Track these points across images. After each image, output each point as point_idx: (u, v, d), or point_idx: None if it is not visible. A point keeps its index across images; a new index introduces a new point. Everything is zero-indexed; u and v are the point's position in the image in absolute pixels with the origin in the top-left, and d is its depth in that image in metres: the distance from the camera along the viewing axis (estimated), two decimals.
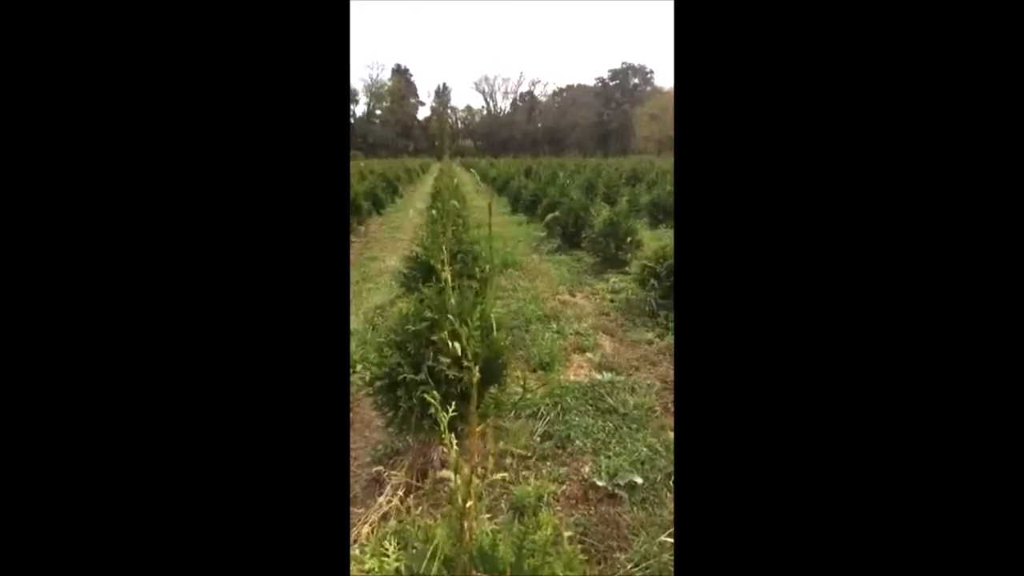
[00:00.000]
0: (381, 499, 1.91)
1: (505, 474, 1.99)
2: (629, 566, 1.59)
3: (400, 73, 61.77)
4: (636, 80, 60.78)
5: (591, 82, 63.35)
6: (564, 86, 66.34)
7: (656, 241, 4.64)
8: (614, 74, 61.06)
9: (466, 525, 0.79)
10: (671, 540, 1.65)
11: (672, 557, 1.61)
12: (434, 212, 3.54)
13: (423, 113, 65.20)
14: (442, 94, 65.81)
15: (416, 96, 64.00)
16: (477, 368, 0.76)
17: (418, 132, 62.46)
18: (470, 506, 0.78)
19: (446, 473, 0.82)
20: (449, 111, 66.86)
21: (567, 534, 1.64)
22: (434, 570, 0.76)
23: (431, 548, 0.81)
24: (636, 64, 61.44)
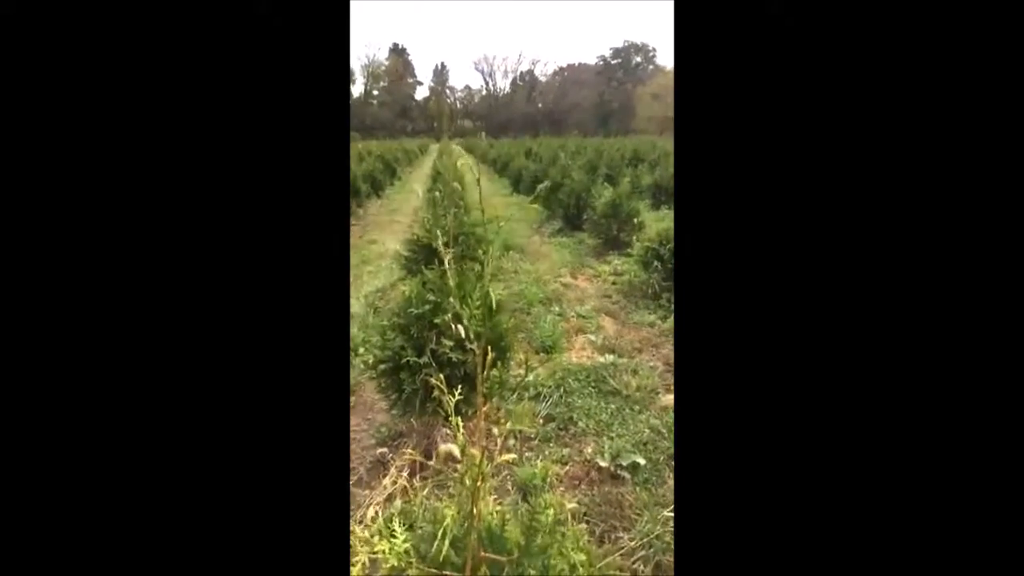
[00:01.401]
0: (386, 480, 1.93)
1: (513, 455, 2.01)
2: (632, 544, 1.61)
3: (397, 53, 60.76)
4: (638, 58, 59.76)
5: (592, 60, 62.37)
6: (565, 65, 65.33)
7: (659, 222, 4.61)
8: (615, 52, 60.02)
9: (475, 506, 0.80)
10: (672, 516, 1.67)
11: (674, 535, 1.63)
12: (436, 194, 3.51)
13: (421, 93, 64.35)
14: (440, 74, 64.82)
15: (414, 76, 63.07)
16: (483, 349, 0.75)
17: (416, 113, 61.68)
18: (479, 487, 0.78)
19: (451, 447, 0.82)
20: (448, 91, 65.95)
21: (570, 506, 1.66)
22: (444, 551, 0.77)
23: (440, 529, 0.82)
24: (638, 42, 60.37)
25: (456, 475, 0.79)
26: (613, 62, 59.75)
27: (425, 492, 1.80)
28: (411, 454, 1.87)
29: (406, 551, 0.82)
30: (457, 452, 0.79)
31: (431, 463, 1.96)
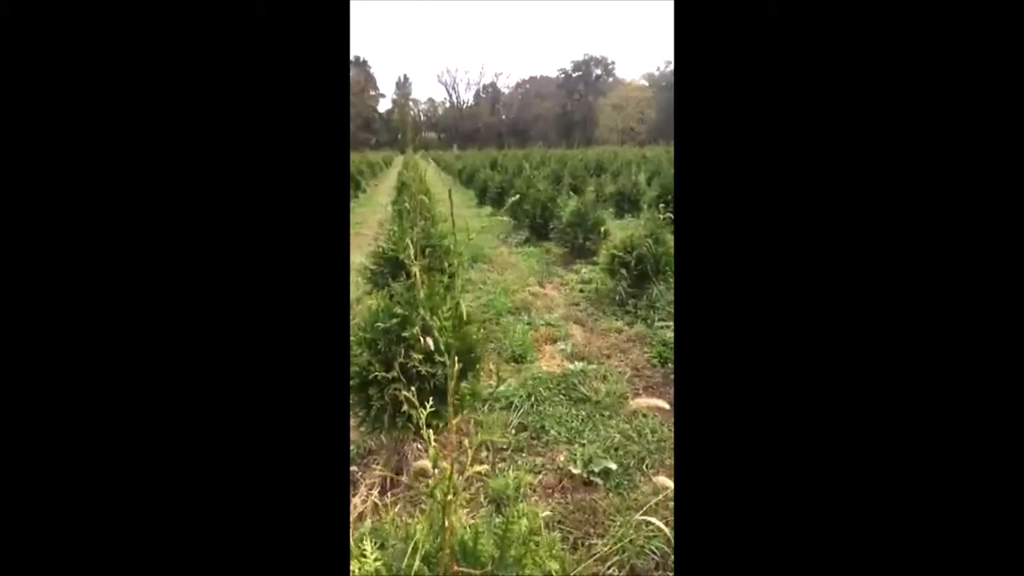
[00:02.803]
0: (356, 499, 1.88)
1: (485, 467, 1.99)
2: (606, 550, 1.62)
3: (358, 65, 60.22)
4: (598, 71, 61.21)
5: (553, 73, 63.51)
6: (527, 77, 66.27)
7: (623, 231, 4.71)
8: (576, 65, 61.30)
9: (446, 520, 0.79)
10: (646, 520, 1.69)
11: (648, 538, 1.65)
12: (404, 206, 3.48)
13: (384, 106, 63.90)
14: (403, 86, 64.63)
15: (376, 88, 62.60)
16: (454, 361, 0.75)
17: (380, 125, 61.18)
18: (450, 500, 0.77)
19: (424, 463, 0.81)
20: (411, 103, 65.76)
21: (544, 514, 1.66)
22: (415, 567, 0.75)
23: (411, 545, 0.80)
24: (598, 55, 61.95)
25: (427, 489, 0.79)
26: (574, 75, 61.01)
27: (396, 509, 1.76)
28: (381, 471, 1.83)
29: (377, 570, 0.80)
30: (429, 467, 0.78)
31: (402, 479, 1.92)
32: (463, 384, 1.97)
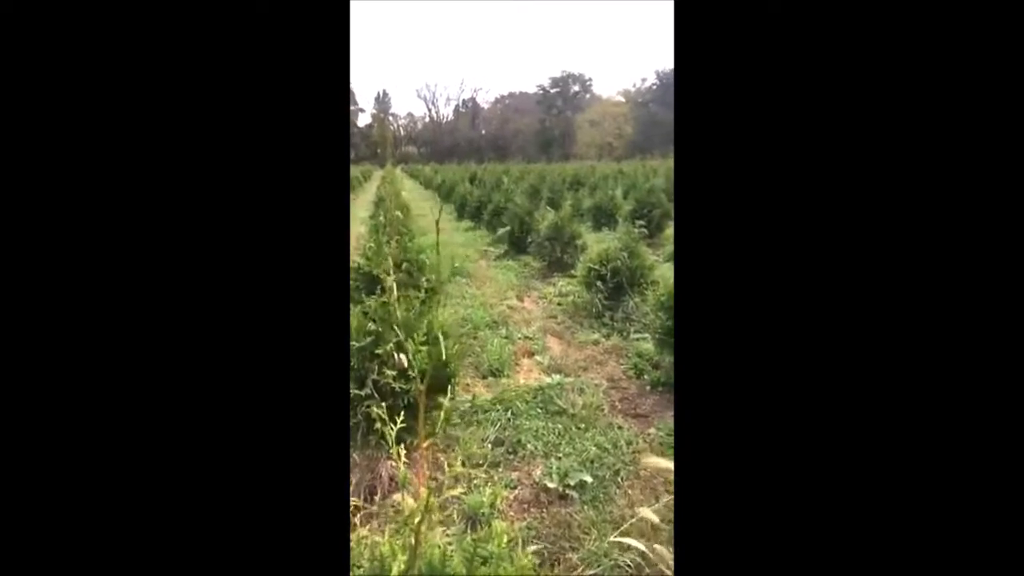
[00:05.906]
0: None
1: (461, 489, 1.98)
2: (581, 567, 1.62)
3: None
4: (576, 88, 62.26)
5: (532, 89, 64.42)
6: (506, 93, 67.07)
7: (600, 244, 4.77)
8: (554, 81, 62.27)
9: (417, 539, 0.78)
10: (621, 539, 1.69)
11: (621, 554, 1.65)
12: (381, 220, 3.47)
13: (363, 120, 63.77)
14: (382, 101, 64.68)
15: (355, 103, 62.48)
16: (424, 383, 0.76)
17: (359, 139, 60.96)
18: (418, 522, 0.77)
19: (399, 497, 0.81)
20: (390, 118, 65.82)
21: (516, 530, 1.65)
22: None
23: (386, 566, 0.79)
24: (576, 72, 63.00)
25: (400, 507, 0.78)
26: (552, 91, 61.90)
27: (367, 528, 1.73)
28: (353, 496, 1.80)
29: None
30: (403, 496, 0.78)
31: (374, 504, 1.89)
32: (437, 399, 1.96)
